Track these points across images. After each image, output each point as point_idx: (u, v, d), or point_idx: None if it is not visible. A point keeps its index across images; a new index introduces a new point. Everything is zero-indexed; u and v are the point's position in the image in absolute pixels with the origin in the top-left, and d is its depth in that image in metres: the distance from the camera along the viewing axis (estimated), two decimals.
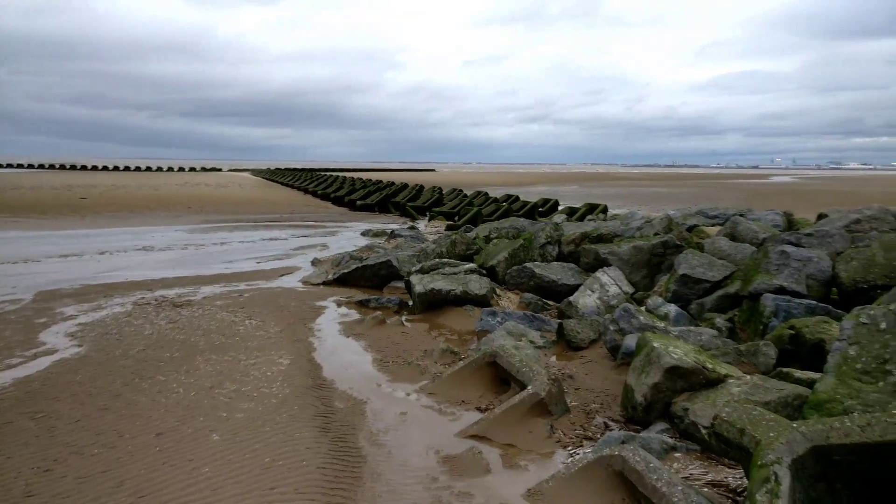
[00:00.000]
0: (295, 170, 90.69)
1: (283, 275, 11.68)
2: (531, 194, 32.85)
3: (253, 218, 23.73)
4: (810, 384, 4.18)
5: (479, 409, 5.34)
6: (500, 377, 5.69)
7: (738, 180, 76.51)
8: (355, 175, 55.22)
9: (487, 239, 12.76)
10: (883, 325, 4.00)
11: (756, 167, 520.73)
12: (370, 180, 40.95)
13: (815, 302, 6.23)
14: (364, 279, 10.66)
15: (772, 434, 3.14)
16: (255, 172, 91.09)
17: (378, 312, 8.64)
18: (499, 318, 7.86)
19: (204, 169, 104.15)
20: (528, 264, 9.78)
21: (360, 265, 10.78)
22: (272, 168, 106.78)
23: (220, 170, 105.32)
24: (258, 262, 13.15)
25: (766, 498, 2.88)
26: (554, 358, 6.74)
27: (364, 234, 19.13)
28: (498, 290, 9.41)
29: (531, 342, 6.83)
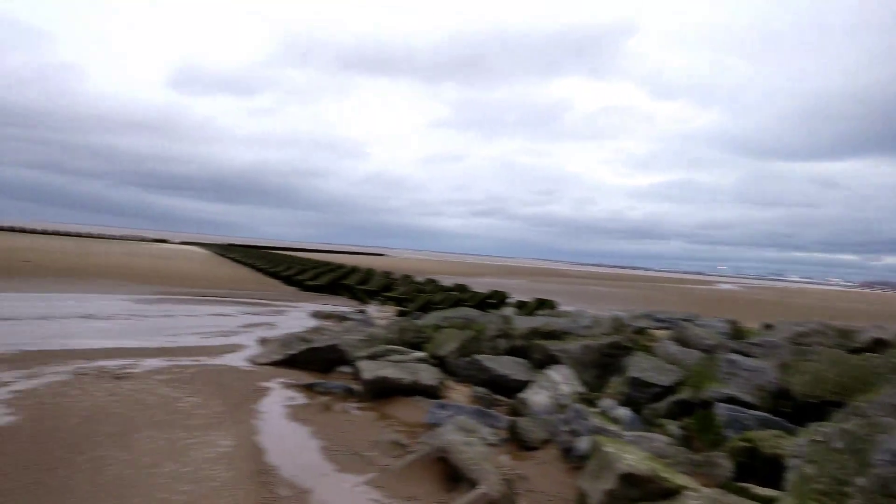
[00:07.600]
0: (248, 247, 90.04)
1: (228, 352, 11.31)
2: (480, 285, 33.04)
3: (200, 292, 23.15)
4: (767, 501, 4.16)
5: None
6: (451, 474, 5.54)
7: (683, 285, 78.28)
8: (305, 254, 54.65)
9: (437, 327, 12.67)
10: (838, 444, 4.04)
11: (700, 273, 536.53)
12: (321, 261, 40.63)
13: (766, 414, 6.28)
14: (311, 362, 10.34)
15: None
16: (207, 246, 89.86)
17: (325, 397, 8.42)
18: (449, 412, 7.69)
19: (154, 240, 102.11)
20: (478, 356, 9.70)
21: (307, 347, 10.51)
22: (225, 243, 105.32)
23: (166, 241, 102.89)
24: (203, 338, 12.73)
25: None
26: (506, 457, 6.58)
27: (314, 315, 18.68)
28: (448, 382, 9.28)
29: (482, 439, 6.70)
